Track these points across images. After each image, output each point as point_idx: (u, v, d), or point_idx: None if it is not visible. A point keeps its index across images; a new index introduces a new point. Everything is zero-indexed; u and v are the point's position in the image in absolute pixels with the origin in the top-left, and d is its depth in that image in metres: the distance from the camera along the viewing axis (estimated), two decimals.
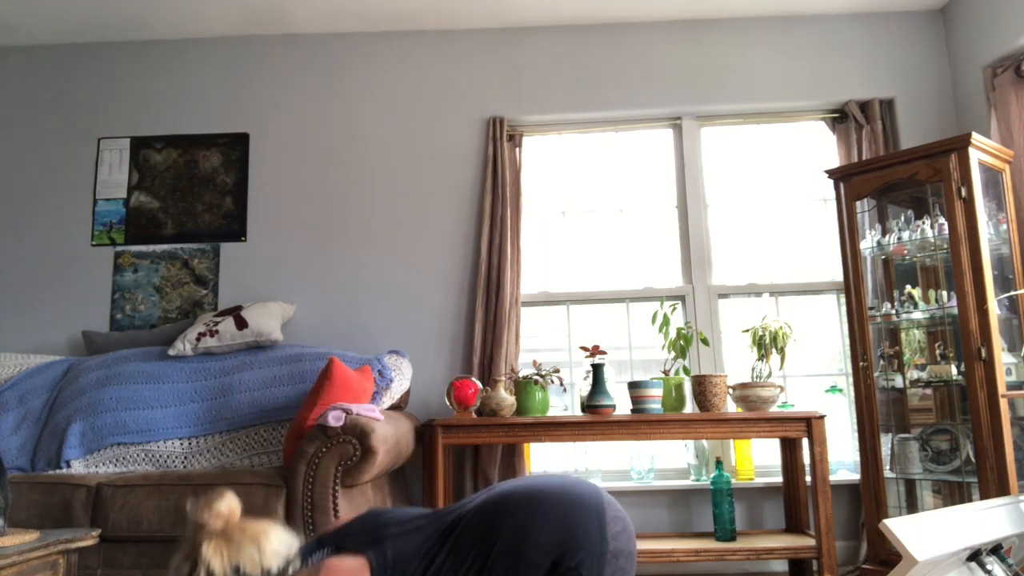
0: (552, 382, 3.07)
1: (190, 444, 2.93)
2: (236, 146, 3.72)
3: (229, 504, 1.43)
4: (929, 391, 3.14)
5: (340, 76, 3.77)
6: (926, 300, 2.98)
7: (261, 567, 1.39)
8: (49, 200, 3.71)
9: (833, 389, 3.40)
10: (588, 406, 2.96)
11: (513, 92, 3.70)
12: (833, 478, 3.21)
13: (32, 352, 3.55)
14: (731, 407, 3.08)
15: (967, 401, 2.75)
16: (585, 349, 3.14)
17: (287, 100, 3.76)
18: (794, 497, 3.13)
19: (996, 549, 1.74)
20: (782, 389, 2.99)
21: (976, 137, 2.82)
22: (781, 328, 3.09)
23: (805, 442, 3.08)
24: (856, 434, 3.02)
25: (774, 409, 2.97)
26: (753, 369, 3.09)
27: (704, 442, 3.37)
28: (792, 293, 3.58)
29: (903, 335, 3.21)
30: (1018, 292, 2.93)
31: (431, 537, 1.45)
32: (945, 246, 2.91)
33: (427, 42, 3.78)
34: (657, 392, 2.97)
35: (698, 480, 3.34)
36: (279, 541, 1.44)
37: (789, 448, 3.15)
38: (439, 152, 3.67)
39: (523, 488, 1.45)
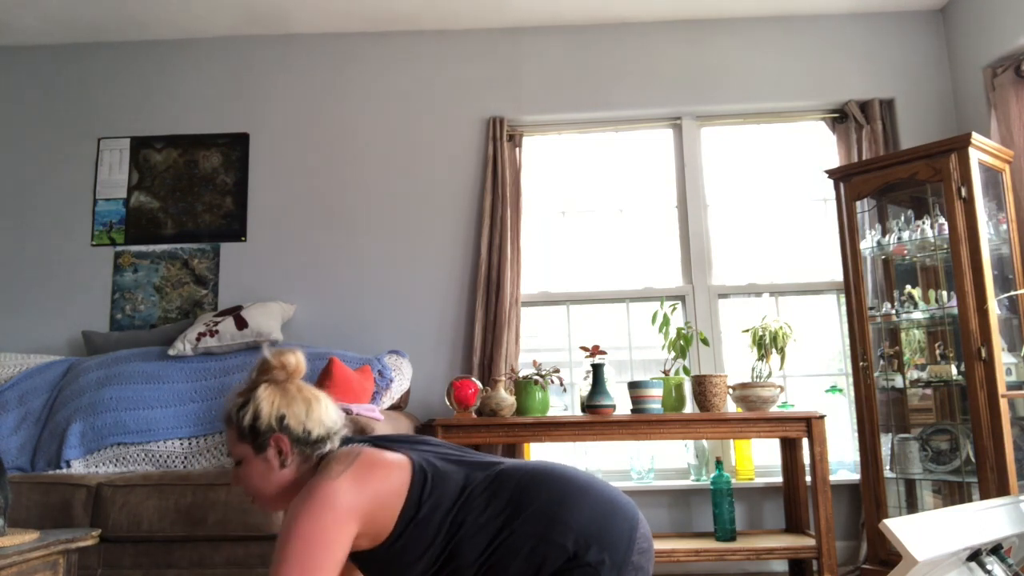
0: (552, 382, 3.07)
1: (190, 444, 2.93)
2: (236, 146, 3.72)
3: (297, 360, 1.53)
4: (929, 391, 3.14)
5: (340, 76, 3.77)
6: (926, 300, 2.98)
7: (304, 426, 1.48)
8: (49, 200, 3.71)
9: (833, 389, 3.40)
10: (588, 406, 2.96)
11: (513, 92, 3.70)
12: (833, 478, 3.21)
13: (32, 352, 3.55)
14: (731, 407, 3.08)
15: (967, 401, 2.75)
16: (585, 349, 3.14)
17: (287, 100, 3.76)
18: (794, 497, 3.13)
19: (996, 549, 1.74)
20: (782, 389, 2.99)
21: (976, 137, 2.82)
22: (781, 328, 3.09)
23: (805, 442, 3.08)
24: (856, 434, 3.02)
25: (774, 409, 2.96)
26: (753, 369, 3.09)
27: (704, 442, 3.37)
28: (792, 293, 3.58)
29: (903, 335, 3.21)
30: (1018, 292, 2.93)
31: (473, 472, 1.46)
32: (945, 246, 2.91)
33: (427, 42, 3.78)
34: (657, 392, 2.97)
35: (698, 480, 3.34)
36: (328, 412, 1.53)
37: (789, 448, 3.15)
38: (439, 152, 3.67)
39: (577, 473, 1.49)
